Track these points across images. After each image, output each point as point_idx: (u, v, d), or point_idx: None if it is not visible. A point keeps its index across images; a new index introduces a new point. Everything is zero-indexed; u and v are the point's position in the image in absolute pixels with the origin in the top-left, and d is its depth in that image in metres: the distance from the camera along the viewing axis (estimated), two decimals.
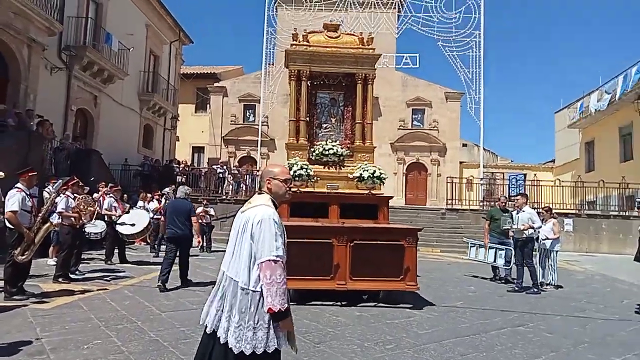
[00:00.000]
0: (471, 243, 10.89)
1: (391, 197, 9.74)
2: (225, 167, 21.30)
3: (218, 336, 2.61)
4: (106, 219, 9.66)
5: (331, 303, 6.65)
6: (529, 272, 8.64)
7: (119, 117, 18.87)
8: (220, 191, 19.33)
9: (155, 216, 11.97)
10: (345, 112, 8.80)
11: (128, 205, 11.05)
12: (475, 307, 7.16)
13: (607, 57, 74.06)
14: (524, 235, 8.62)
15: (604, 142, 23.07)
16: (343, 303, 6.69)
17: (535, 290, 8.51)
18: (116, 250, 10.27)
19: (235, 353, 2.53)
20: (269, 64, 23.64)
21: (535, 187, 19.97)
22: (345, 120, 8.84)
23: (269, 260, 2.53)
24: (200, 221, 13.44)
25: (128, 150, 19.52)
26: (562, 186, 19.46)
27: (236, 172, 21.17)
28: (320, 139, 8.60)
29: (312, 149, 8.35)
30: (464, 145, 33.32)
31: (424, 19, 21.20)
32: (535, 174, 23.62)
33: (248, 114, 29.05)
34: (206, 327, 2.69)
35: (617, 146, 21.72)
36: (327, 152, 8.28)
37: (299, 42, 8.46)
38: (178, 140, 26.84)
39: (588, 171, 24.15)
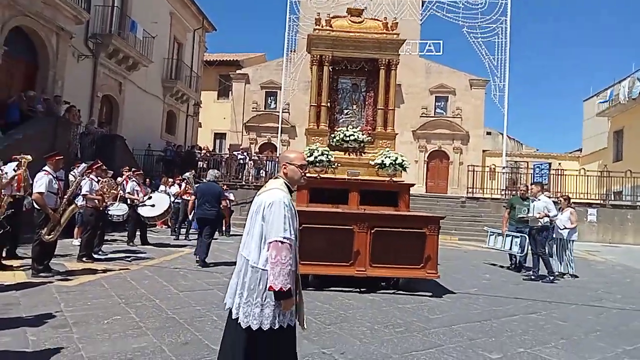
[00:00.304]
0: (490, 231, 10.85)
1: (412, 185, 9.67)
2: (246, 153, 21.54)
3: (234, 314, 2.76)
4: (129, 202, 9.97)
5: (349, 289, 6.63)
6: (543, 261, 8.58)
7: (143, 104, 19.26)
8: (240, 177, 19.57)
9: (176, 200, 12.25)
10: (367, 98, 8.66)
11: (149, 190, 11.34)
12: (488, 294, 7.17)
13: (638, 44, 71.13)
14: (539, 224, 8.54)
15: (634, 131, 22.35)
16: (362, 289, 6.68)
17: (551, 279, 8.44)
18: (138, 233, 10.59)
19: (243, 327, 2.67)
20: (291, 51, 23.63)
21: (560, 176, 19.56)
22: (366, 106, 8.68)
23: (276, 241, 2.65)
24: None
25: (151, 136, 19.93)
26: (587, 175, 19.01)
27: (256, 158, 21.38)
28: (340, 124, 8.48)
29: (332, 135, 8.28)
30: (488, 133, 32.78)
31: (448, 5, 20.82)
32: (559, 163, 23.10)
33: (269, 100, 29.20)
34: (230, 310, 2.83)
35: None
36: (347, 139, 8.18)
37: (322, 27, 8.32)
38: (200, 127, 27.22)
39: (616, 160, 23.48)
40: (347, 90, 8.70)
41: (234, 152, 21.05)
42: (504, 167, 20.73)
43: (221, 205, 9.38)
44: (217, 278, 7.27)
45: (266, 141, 28.59)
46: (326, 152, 7.72)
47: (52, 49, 13.68)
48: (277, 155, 22.22)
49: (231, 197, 14.22)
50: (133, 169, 11.26)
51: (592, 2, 78.35)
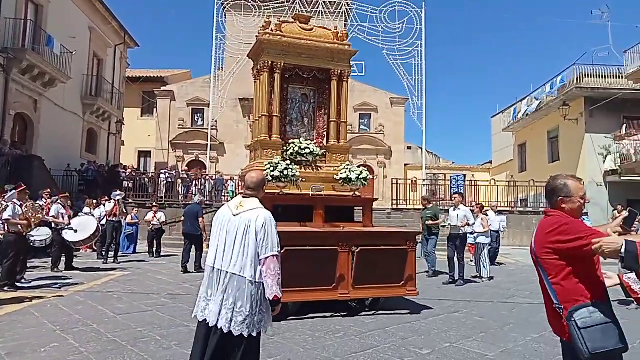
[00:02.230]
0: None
1: (376, 199, 9.93)
2: (174, 171, 21.08)
3: (219, 327, 3.00)
4: (53, 226, 9.50)
5: (330, 314, 6.22)
6: (459, 265, 9.32)
7: (61, 122, 18.26)
8: (170, 196, 19.11)
9: (109, 219, 11.75)
10: (318, 110, 8.29)
11: (72, 212, 10.84)
12: (415, 298, 7.74)
13: (539, 65, 79.22)
14: (461, 232, 9.35)
15: (534, 144, 24.86)
16: (344, 314, 6.29)
17: (462, 282, 9.21)
18: (63, 258, 10.08)
19: (245, 337, 2.98)
20: (219, 69, 23.62)
21: (473, 186, 21.24)
22: (317, 117, 8.30)
23: (273, 255, 3.01)
24: (149, 227, 13.40)
25: (71, 155, 18.91)
26: (497, 185, 20.84)
27: (185, 176, 21.00)
28: (289, 136, 7.96)
29: (285, 148, 7.66)
30: (409, 148, 34.63)
31: (369, 29, 21.99)
32: (473, 175, 25.05)
33: (196, 117, 28.79)
34: (204, 321, 3.07)
35: (545, 148, 23.49)
36: (302, 152, 7.60)
37: (273, 31, 7.69)
38: (123, 145, 26.19)
39: (521, 171, 25.89)
40: (297, 101, 8.24)
41: (161, 171, 20.51)
42: (424, 180, 22.08)
43: (198, 223, 10.39)
44: (154, 299, 7.20)
45: (194, 158, 28.08)
46: (290, 167, 7.14)
47: None
48: (207, 172, 22.00)
49: (162, 217, 13.89)
50: (60, 192, 10.72)
51: (501, 26, 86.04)
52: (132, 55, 28.69)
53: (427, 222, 10.30)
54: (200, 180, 20.20)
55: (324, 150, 7.93)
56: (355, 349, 4.84)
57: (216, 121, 24.81)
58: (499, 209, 19.37)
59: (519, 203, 21.04)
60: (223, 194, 19.31)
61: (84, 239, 9.95)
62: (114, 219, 11.52)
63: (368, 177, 7.74)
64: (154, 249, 13.25)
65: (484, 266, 10.06)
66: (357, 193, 7.64)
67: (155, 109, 29.16)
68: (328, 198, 7.43)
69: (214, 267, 3.12)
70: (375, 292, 6.49)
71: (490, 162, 32.82)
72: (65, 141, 18.67)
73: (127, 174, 19.39)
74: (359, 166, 8.17)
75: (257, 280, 3.01)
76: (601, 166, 19.47)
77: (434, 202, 10.92)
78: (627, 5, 53.98)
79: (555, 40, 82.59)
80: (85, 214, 11.62)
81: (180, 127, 28.33)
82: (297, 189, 7.23)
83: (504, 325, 6.06)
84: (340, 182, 7.54)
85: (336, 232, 6.50)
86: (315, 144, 7.88)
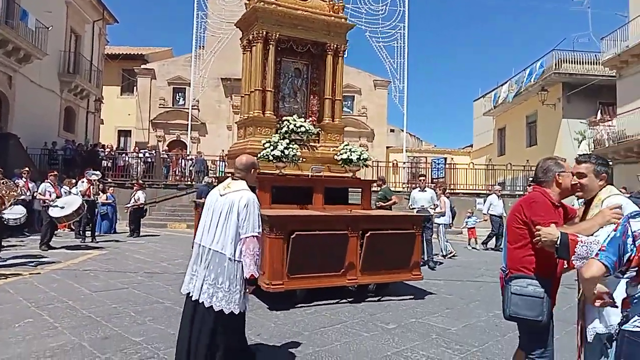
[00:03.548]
0: None
1: (374, 181, 9.47)
2: (154, 151, 20.90)
3: (201, 301, 3.17)
4: (42, 203, 9.51)
5: (335, 301, 5.92)
6: (428, 247, 9.29)
7: (37, 99, 17.89)
8: (150, 176, 18.99)
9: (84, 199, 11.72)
10: (311, 86, 7.82)
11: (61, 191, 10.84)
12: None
13: (520, 50, 79.69)
14: (428, 214, 9.49)
15: (513, 129, 25.26)
16: (349, 299, 6.04)
17: (433, 264, 9.23)
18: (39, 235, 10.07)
19: (226, 313, 3.13)
20: (200, 47, 23.27)
21: (452, 169, 21.57)
22: (311, 94, 7.83)
23: (253, 235, 3.15)
24: (129, 207, 13.37)
25: (48, 133, 18.58)
26: (476, 169, 21.20)
27: (166, 156, 20.86)
28: (282, 113, 7.47)
29: (279, 125, 7.22)
30: (392, 130, 34.79)
31: (352, 10, 21.88)
32: (452, 158, 25.39)
33: (178, 97, 28.41)
34: (190, 295, 3.24)
35: (523, 133, 23.90)
36: (297, 130, 7.14)
37: None
38: (102, 124, 25.79)
39: (500, 155, 26.34)
40: (290, 76, 7.74)
41: (141, 151, 20.32)
42: (404, 162, 22.32)
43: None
44: (130, 277, 7.28)
45: (175, 138, 27.82)
46: (290, 146, 6.71)
47: None
48: (188, 153, 21.88)
49: (142, 198, 13.82)
50: (49, 170, 10.69)
51: (485, 11, 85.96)
52: (112, 32, 28.14)
53: (377, 203, 10.09)
54: (180, 161, 20.05)
55: (318, 129, 7.56)
56: (324, 324, 5.02)
57: (197, 101, 24.57)
58: (477, 191, 19.82)
59: (497, 186, 21.44)
60: (208, 174, 18.81)
61: (67, 215, 9.95)
62: (88, 199, 11.46)
63: (369, 158, 7.52)
64: (133, 228, 13.23)
65: (447, 244, 10.56)
66: (356, 174, 7.41)
67: (135, 88, 28.68)
68: (328, 179, 7.10)
69: (200, 244, 3.29)
70: (382, 277, 6.26)
71: (471, 145, 33.25)
72: (42, 119, 18.32)
73: (106, 153, 19.16)
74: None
75: (236, 259, 3.15)
76: (576, 151, 19.92)
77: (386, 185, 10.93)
78: None
79: (539, 25, 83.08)
80: (66, 192, 11.55)
81: (161, 106, 27.96)
82: (298, 170, 6.89)
83: (470, 302, 6.32)
84: (341, 162, 7.24)
85: (345, 216, 6.23)
86: (309, 122, 7.48)
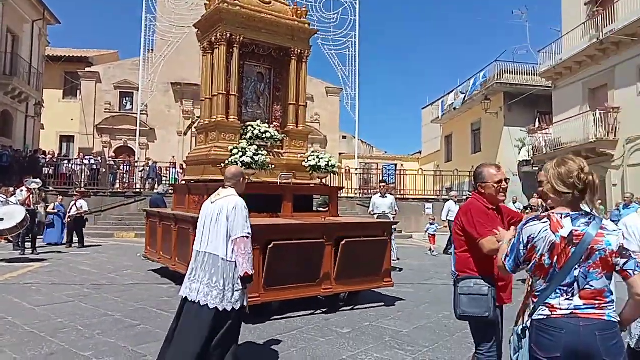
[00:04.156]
0: None
1: (342, 188, 9.62)
2: (100, 158, 20.10)
3: (196, 301, 3.34)
4: None
5: (310, 312, 5.76)
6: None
7: None
8: (95, 184, 18.23)
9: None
10: (274, 91, 7.75)
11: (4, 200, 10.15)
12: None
13: (465, 61, 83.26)
14: (388, 219, 9.79)
15: (459, 136, 26.34)
16: (323, 310, 5.88)
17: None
18: None
19: (220, 311, 3.28)
20: (149, 51, 22.66)
21: (403, 176, 22.17)
22: (274, 100, 7.75)
23: (243, 236, 3.36)
24: (69, 216, 12.69)
25: None
26: (424, 175, 21.91)
27: (112, 163, 20.11)
28: (245, 118, 7.33)
29: (243, 131, 7.07)
30: (344, 137, 35.30)
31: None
32: (402, 164, 26.10)
33: (125, 101, 27.52)
34: (186, 298, 3.44)
35: (469, 140, 24.97)
36: (263, 135, 7.01)
37: (230, 0, 7.04)
38: (43, 129, 24.53)
39: (447, 161, 27.34)
40: (252, 80, 7.63)
41: (85, 158, 19.47)
42: (356, 169, 22.70)
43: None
44: (76, 290, 6.97)
45: (122, 144, 26.90)
46: (259, 152, 6.53)
47: None
48: (136, 159, 21.20)
49: (84, 206, 13.20)
50: None
51: (434, 22, 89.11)
52: (54, 33, 26.73)
53: (318, 209, 10.29)
54: (125, 167, 19.39)
55: (283, 135, 7.45)
56: (280, 330, 5.04)
57: (146, 106, 23.88)
58: (426, 196, 20.44)
59: (444, 191, 22.25)
60: (162, 182, 18.07)
61: (10, 228, 9.38)
62: (28, 208, 10.85)
63: (336, 164, 7.45)
64: (75, 239, 12.61)
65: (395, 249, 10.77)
66: (323, 181, 7.35)
67: (78, 91, 27.50)
68: (297, 187, 6.95)
69: (197, 250, 3.50)
70: (356, 286, 6.22)
71: (420, 152, 34.29)
72: None
73: (48, 160, 18.23)
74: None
75: (229, 259, 3.35)
76: (517, 157, 21.05)
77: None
78: (545, 8, 58.07)
79: (483, 37, 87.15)
80: (1, 202, 10.87)
81: (107, 110, 26.97)
82: (268, 177, 6.73)
83: (421, 304, 6.53)
84: (309, 169, 7.17)
85: (321, 224, 6.15)
86: (273, 127, 7.38)
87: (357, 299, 6.35)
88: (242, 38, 7.09)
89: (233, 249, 3.35)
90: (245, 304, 3.45)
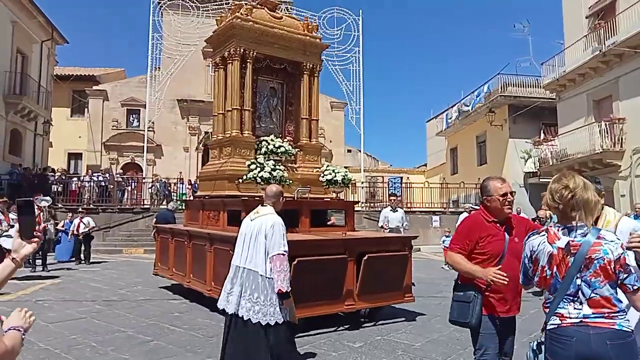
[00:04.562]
0: None
1: (358, 202, 9.52)
2: (108, 174, 20.26)
3: (240, 315, 3.51)
4: None
5: (333, 329, 5.66)
6: None
7: None
8: (104, 200, 18.36)
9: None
10: (287, 105, 7.75)
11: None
12: None
13: (469, 74, 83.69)
14: (400, 234, 9.74)
15: (465, 148, 26.36)
16: (346, 326, 5.78)
17: None
18: None
19: (262, 325, 3.45)
20: (155, 69, 22.98)
21: (409, 188, 22.18)
22: (287, 114, 7.76)
23: (279, 254, 3.50)
24: (76, 233, 12.75)
25: None
26: (431, 187, 21.91)
27: (120, 179, 20.26)
28: (258, 133, 7.32)
29: (258, 146, 7.03)
30: (349, 151, 35.41)
31: None
32: (408, 177, 26.09)
33: (132, 119, 27.81)
34: (223, 310, 3.66)
35: (474, 152, 24.99)
36: (277, 150, 6.94)
37: (242, 16, 7.01)
38: (52, 147, 24.79)
39: (453, 174, 27.34)
40: (265, 95, 7.64)
41: (93, 175, 19.64)
42: (362, 182, 22.74)
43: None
44: (88, 306, 7.02)
45: (129, 161, 27.11)
46: (277, 167, 6.52)
47: None
48: (143, 175, 21.37)
49: (91, 222, 13.29)
50: None
51: (437, 36, 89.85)
52: (62, 53, 27.18)
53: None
54: (132, 183, 19.52)
55: (297, 150, 7.41)
56: None
57: (153, 122, 24.14)
58: (432, 209, 20.42)
59: (451, 204, 22.22)
60: (172, 198, 18.15)
61: None
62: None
63: (352, 179, 7.49)
64: (82, 256, 12.68)
65: None
66: (340, 196, 7.41)
67: (86, 109, 27.84)
68: (314, 202, 6.89)
69: (236, 266, 3.65)
70: (378, 301, 6.10)
71: (426, 164, 34.30)
72: None
73: (57, 177, 18.41)
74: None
75: (267, 276, 3.49)
76: (523, 169, 21.03)
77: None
78: (547, 21, 58.48)
79: (488, 49, 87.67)
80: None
81: (114, 128, 27.24)
82: (285, 191, 6.69)
83: (432, 317, 6.51)
84: (325, 183, 7.14)
85: (342, 240, 6.04)
86: (287, 142, 7.32)
87: (379, 315, 6.25)
88: (255, 53, 7.11)
89: (271, 267, 3.49)
90: (288, 318, 3.55)
